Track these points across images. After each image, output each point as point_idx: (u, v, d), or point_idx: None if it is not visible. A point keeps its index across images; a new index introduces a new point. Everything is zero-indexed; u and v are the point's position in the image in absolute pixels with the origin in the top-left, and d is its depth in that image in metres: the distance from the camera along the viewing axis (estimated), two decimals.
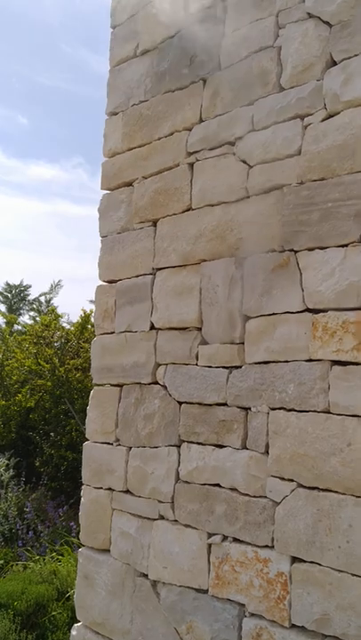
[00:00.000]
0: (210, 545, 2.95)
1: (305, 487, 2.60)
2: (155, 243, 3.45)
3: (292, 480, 2.65)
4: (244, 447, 2.86)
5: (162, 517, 3.22)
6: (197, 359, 3.14)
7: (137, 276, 3.55)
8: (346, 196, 2.56)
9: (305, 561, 2.56)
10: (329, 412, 2.54)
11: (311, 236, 2.68)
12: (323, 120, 2.70)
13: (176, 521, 3.13)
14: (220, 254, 3.08)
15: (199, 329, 3.16)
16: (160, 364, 3.35)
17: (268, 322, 2.81)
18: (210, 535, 2.96)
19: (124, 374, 3.54)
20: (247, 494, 2.81)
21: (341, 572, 2.42)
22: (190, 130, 3.32)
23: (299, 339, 2.68)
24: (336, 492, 2.48)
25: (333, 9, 2.67)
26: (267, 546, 2.70)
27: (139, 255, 3.54)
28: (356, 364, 2.46)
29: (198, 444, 3.08)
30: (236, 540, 2.85)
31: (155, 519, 3.25)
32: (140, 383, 3.44)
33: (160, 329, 3.37)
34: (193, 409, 3.12)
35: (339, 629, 2.41)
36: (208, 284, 3.12)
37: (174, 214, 3.35)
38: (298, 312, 2.70)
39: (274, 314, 2.80)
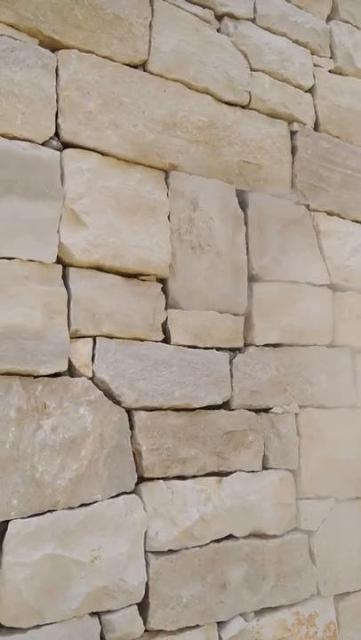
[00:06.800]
0: None
1: (343, 502, 2.10)
2: (58, 86, 1.69)
3: (327, 497, 2.06)
4: (266, 467, 1.93)
5: None
6: (167, 333, 1.81)
7: (12, 139, 1.59)
8: None
9: (350, 592, 2.06)
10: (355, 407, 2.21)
11: (333, 199, 2.25)
12: (331, 71, 2.36)
13: (152, 632, 1.63)
14: (211, 172, 1.96)
15: (163, 281, 1.84)
16: (82, 336, 1.65)
17: (285, 291, 2.08)
18: (221, 625, 1.76)
19: None
20: (276, 535, 1.91)
21: None
22: None
23: (321, 318, 2.16)
24: None
25: None
26: (311, 596, 1.95)
27: (7, 93, 1.60)
28: None
29: (191, 477, 1.76)
30: (264, 610, 1.85)
31: None
32: (29, 375, 1.54)
33: (81, 267, 1.67)
34: (169, 419, 1.76)
35: None
36: (191, 212, 1.89)
37: (110, 59, 1.79)
38: (320, 285, 2.17)
39: (295, 282, 2.10)
